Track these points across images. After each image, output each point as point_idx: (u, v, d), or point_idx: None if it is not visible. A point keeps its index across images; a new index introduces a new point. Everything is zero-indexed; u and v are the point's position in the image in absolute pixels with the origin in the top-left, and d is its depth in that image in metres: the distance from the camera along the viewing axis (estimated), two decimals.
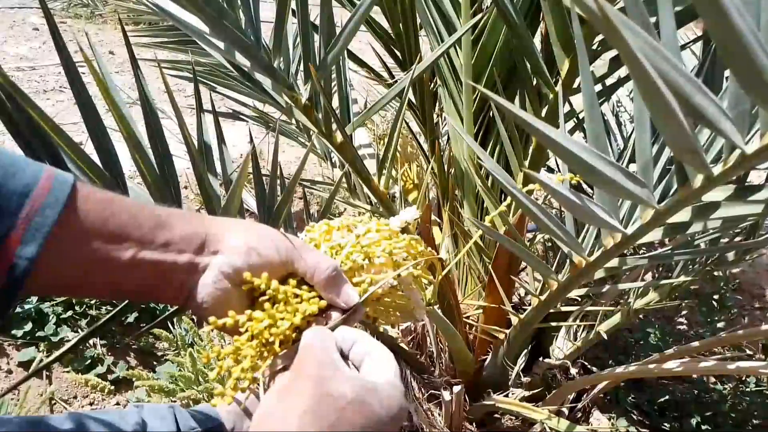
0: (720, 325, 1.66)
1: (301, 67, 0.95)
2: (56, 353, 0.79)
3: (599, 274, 0.86)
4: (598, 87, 1.16)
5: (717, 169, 0.57)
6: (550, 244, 1.58)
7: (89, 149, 0.76)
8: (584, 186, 1.33)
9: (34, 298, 1.47)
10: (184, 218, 0.48)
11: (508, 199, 0.72)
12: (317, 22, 0.92)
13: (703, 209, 0.66)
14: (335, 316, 0.50)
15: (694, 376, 1.47)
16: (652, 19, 0.47)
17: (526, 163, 1.11)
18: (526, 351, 1.19)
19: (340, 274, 0.51)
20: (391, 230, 0.57)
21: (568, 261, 0.86)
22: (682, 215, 0.67)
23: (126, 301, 0.82)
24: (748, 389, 1.43)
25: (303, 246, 0.51)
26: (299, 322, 0.48)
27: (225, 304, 0.48)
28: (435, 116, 1.41)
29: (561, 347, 1.26)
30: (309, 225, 0.59)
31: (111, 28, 4.37)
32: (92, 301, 1.55)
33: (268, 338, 0.47)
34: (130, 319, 1.57)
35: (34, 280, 0.40)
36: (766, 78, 0.41)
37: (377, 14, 1.29)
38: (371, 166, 1.28)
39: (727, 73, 0.78)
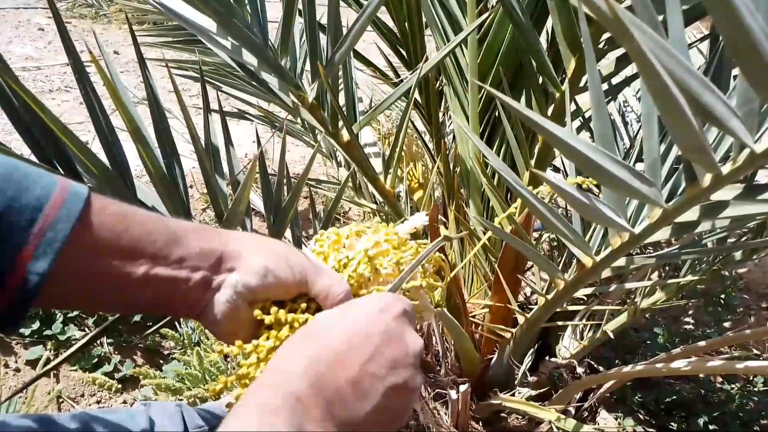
0: (727, 324, 1.66)
1: (307, 67, 0.95)
2: (66, 353, 0.79)
3: (606, 273, 0.86)
4: (604, 86, 1.16)
5: (726, 168, 0.57)
6: (556, 243, 1.58)
7: (96, 148, 0.76)
8: (591, 186, 1.33)
9: None
10: (200, 233, 0.48)
11: (518, 200, 0.72)
12: (323, 22, 0.92)
13: (711, 208, 0.66)
14: None
15: (701, 375, 1.46)
16: (660, 18, 0.47)
17: (532, 162, 1.11)
18: (532, 350, 1.19)
19: (349, 298, 0.51)
20: (399, 238, 0.57)
21: (574, 260, 0.86)
22: (690, 214, 0.66)
23: None
24: (755, 389, 1.42)
25: (317, 267, 0.51)
26: None
27: (236, 321, 0.48)
28: (441, 115, 1.41)
29: (567, 346, 1.26)
30: (318, 234, 0.59)
31: (116, 28, 4.39)
32: None
33: None
34: (137, 318, 1.58)
35: (46, 294, 0.40)
36: None
37: (383, 14, 1.29)
38: (377, 165, 1.28)
39: (734, 72, 0.77)
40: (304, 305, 0.50)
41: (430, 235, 1.03)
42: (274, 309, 0.48)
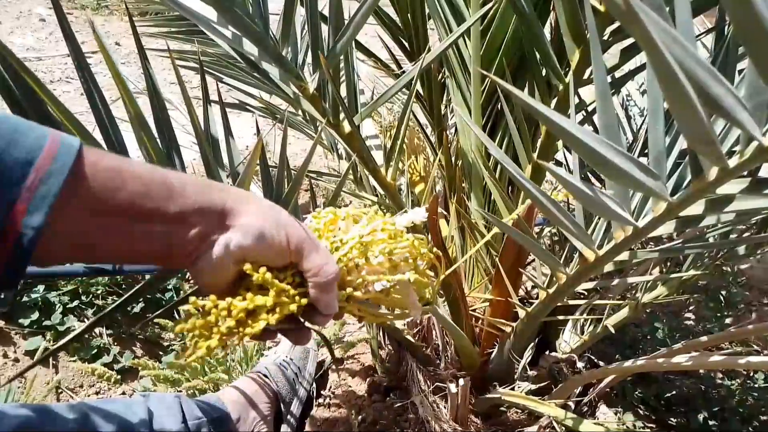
0: (728, 320, 1.65)
1: (309, 58, 0.95)
2: (62, 341, 0.79)
3: (608, 267, 0.85)
4: (609, 79, 1.15)
5: (733, 162, 0.56)
6: (557, 237, 1.57)
7: (96, 139, 0.75)
8: (592, 179, 1.32)
9: (41, 287, 1.47)
10: (198, 187, 0.47)
11: (522, 194, 0.72)
12: (325, 12, 0.91)
13: (716, 202, 0.65)
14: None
15: (702, 371, 1.46)
16: (666, 9, 0.46)
17: (535, 155, 1.10)
18: (532, 344, 1.18)
19: (336, 280, 0.51)
20: (395, 230, 0.56)
21: (576, 254, 0.85)
22: (695, 208, 0.66)
23: (131, 292, 0.82)
24: (756, 385, 1.42)
25: (313, 241, 0.51)
26: (274, 322, 0.48)
27: (219, 275, 0.48)
28: (443, 107, 1.40)
29: (568, 341, 1.26)
30: (316, 211, 0.58)
31: (117, 19, 4.37)
32: (98, 291, 1.56)
33: (242, 324, 0.47)
34: (136, 309, 1.57)
35: (42, 249, 0.40)
36: None
37: (386, 5, 1.28)
38: (378, 157, 1.27)
39: (739, 66, 0.77)
40: (290, 278, 0.50)
41: (429, 228, 1.02)
42: (263, 269, 0.47)
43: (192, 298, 0.46)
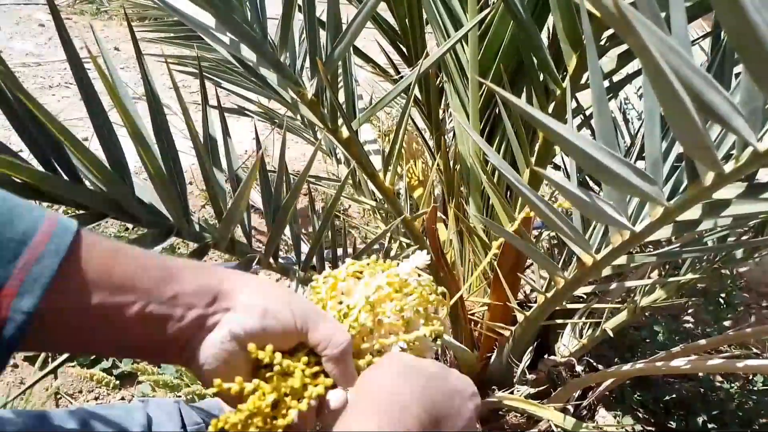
0: (727, 323, 1.65)
1: (307, 63, 0.95)
2: (65, 355, 0.79)
3: (606, 271, 0.86)
4: (605, 83, 1.15)
5: (729, 167, 0.56)
6: (556, 241, 1.58)
7: (95, 145, 0.76)
8: (590, 183, 1.32)
9: None
10: (195, 271, 0.45)
11: (520, 199, 0.72)
12: (323, 18, 0.91)
13: (713, 207, 0.65)
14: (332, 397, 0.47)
15: (701, 374, 1.46)
16: (662, 14, 0.47)
17: (533, 160, 1.11)
18: (531, 348, 1.18)
19: (350, 349, 0.48)
20: (400, 280, 0.55)
21: (575, 258, 0.85)
22: (692, 213, 0.66)
23: None
24: (755, 388, 1.42)
25: (318, 313, 0.49)
26: (305, 407, 0.45)
27: (229, 367, 0.45)
28: (441, 112, 1.41)
29: (566, 344, 1.26)
30: (314, 279, 0.57)
31: (116, 25, 4.37)
32: None
33: (271, 418, 0.44)
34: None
35: (31, 336, 0.36)
36: None
37: (383, 10, 1.29)
38: (376, 162, 1.27)
39: (736, 70, 0.77)
40: (305, 358, 0.47)
41: (428, 235, 1.02)
42: (269, 347, 0.45)
43: (217, 381, 0.43)
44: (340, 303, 0.53)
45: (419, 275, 0.57)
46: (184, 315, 0.43)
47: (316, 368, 0.48)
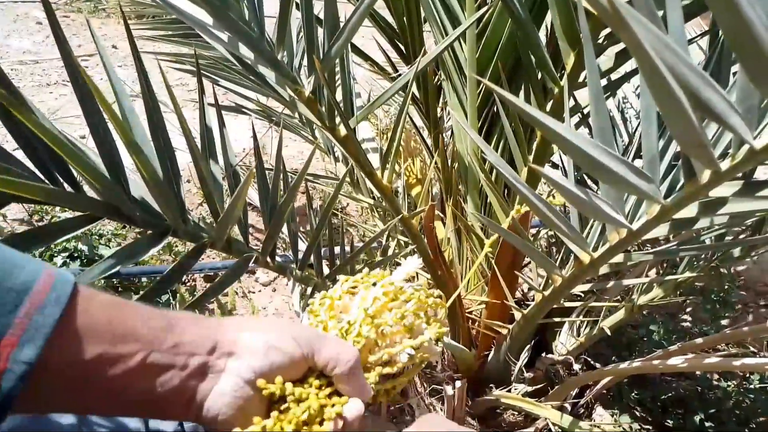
0: (724, 322, 1.66)
1: (305, 61, 0.95)
2: None
3: (603, 269, 0.86)
4: (603, 82, 1.15)
5: (725, 165, 0.56)
6: (554, 239, 1.58)
7: (91, 143, 0.75)
8: (588, 181, 1.33)
9: None
10: (193, 321, 0.45)
11: (517, 197, 0.72)
12: (321, 16, 0.91)
13: (710, 205, 0.65)
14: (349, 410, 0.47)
15: (698, 372, 1.46)
16: (660, 13, 0.47)
17: (531, 158, 1.11)
18: (528, 346, 1.18)
19: (358, 363, 0.48)
20: (396, 288, 0.55)
21: (572, 256, 0.86)
22: (689, 211, 0.66)
23: (134, 300, 0.81)
24: (752, 386, 1.43)
25: (320, 336, 0.49)
26: (329, 428, 0.45)
27: (244, 412, 0.44)
28: (439, 110, 1.41)
29: (564, 343, 1.26)
30: (309, 303, 0.56)
31: (114, 22, 4.37)
32: None
33: None
34: None
35: (31, 390, 0.35)
36: None
37: (381, 8, 1.28)
38: (374, 160, 1.27)
39: (734, 68, 0.77)
40: (316, 382, 0.47)
41: (426, 233, 1.02)
42: (278, 379, 0.45)
43: (237, 430, 0.43)
44: (340, 321, 0.53)
45: (416, 276, 0.57)
46: (187, 363, 0.42)
47: (329, 389, 0.48)
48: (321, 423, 0.45)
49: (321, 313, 0.55)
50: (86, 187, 0.75)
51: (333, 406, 0.46)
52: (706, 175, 0.59)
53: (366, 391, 0.49)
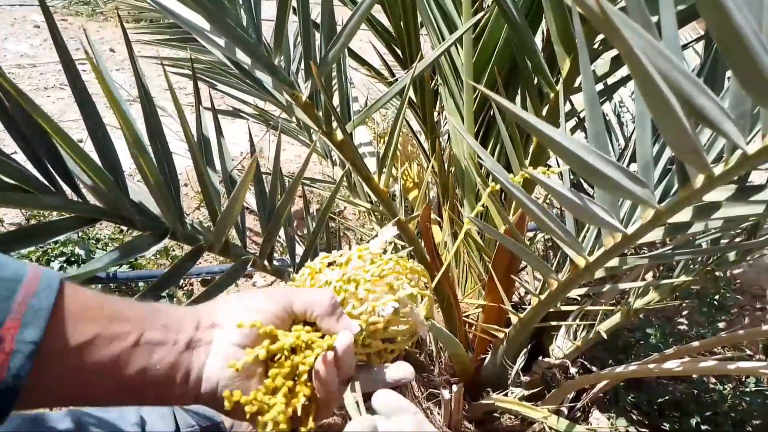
0: (721, 325, 1.66)
1: (302, 66, 0.95)
2: None
3: (599, 273, 0.86)
4: (600, 86, 1.16)
5: (718, 170, 0.57)
6: (550, 243, 1.58)
7: (89, 147, 0.76)
8: (585, 185, 1.33)
9: None
10: (176, 306, 0.48)
11: (513, 200, 0.72)
12: (318, 21, 0.92)
13: (704, 209, 0.66)
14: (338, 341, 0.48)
15: (694, 376, 1.47)
16: (654, 19, 0.47)
17: (527, 162, 1.11)
18: (525, 350, 1.19)
19: (337, 302, 0.50)
20: (372, 254, 0.56)
21: (568, 260, 0.86)
22: (683, 215, 0.66)
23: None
24: (748, 389, 1.43)
25: (294, 289, 0.51)
26: (318, 352, 0.47)
27: (243, 378, 0.45)
28: (435, 115, 1.41)
29: (561, 346, 1.26)
30: (292, 277, 0.58)
31: (112, 26, 4.37)
32: None
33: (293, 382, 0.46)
34: None
35: (36, 373, 0.36)
36: None
37: (378, 12, 1.29)
38: (372, 164, 1.28)
39: (729, 72, 0.77)
40: (302, 327, 0.49)
41: (422, 235, 1.03)
42: (265, 343, 0.46)
43: (226, 392, 0.43)
44: (318, 282, 0.55)
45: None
46: (177, 339, 0.44)
47: (317, 334, 0.49)
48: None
49: (301, 280, 0.56)
50: (84, 190, 0.75)
51: (322, 337, 0.48)
52: (699, 180, 0.59)
53: (352, 326, 0.50)
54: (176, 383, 0.44)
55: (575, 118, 1.23)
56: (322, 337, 0.49)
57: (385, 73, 1.51)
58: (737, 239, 1.23)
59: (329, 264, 0.57)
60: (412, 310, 0.56)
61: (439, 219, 1.39)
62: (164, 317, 0.45)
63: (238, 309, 0.47)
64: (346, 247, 0.59)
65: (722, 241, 1.12)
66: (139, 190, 0.82)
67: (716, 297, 1.69)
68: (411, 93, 1.32)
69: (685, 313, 1.78)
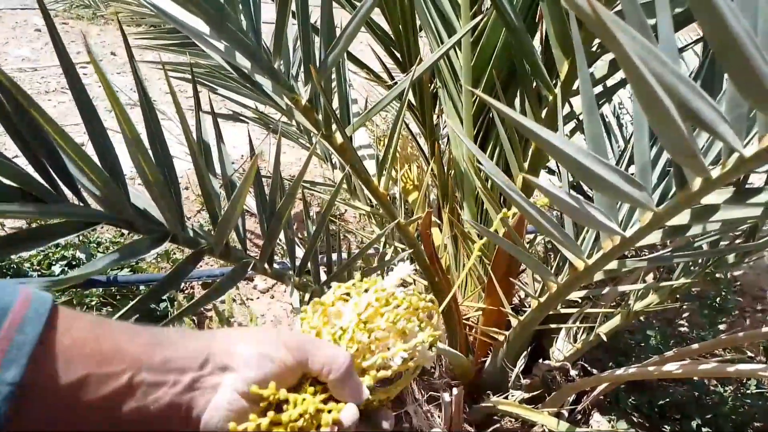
0: (721, 327, 1.66)
1: (302, 69, 0.95)
2: None
3: (599, 276, 0.86)
4: (599, 88, 1.16)
5: (716, 172, 0.57)
6: (550, 245, 1.58)
7: (89, 150, 0.76)
8: (585, 187, 1.33)
9: None
10: (184, 334, 0.44)
11: (513, 208, 0.72)
12: (317, 24, 0.92)
13: (702, 212, 0.66)
14: (345, 414, 0.47)
15: (695, 378, 1.47)
16: (651, 21, 0.47)
17: (526, 164, 1.11)
18: (525, 353, 1.19)
19: (351, 367, 0.48)
20: (388, 294, 0.55)
21: (567, 263, 0.86)
22: (681, 218, 0.67)
23: (129, 306, 0.81)
24: (748, 391, 1.43)
25: (312, 342, 0.48)
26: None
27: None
28: (435, 117, 1.41)
29: (561, 349, 1.26)
30: (302, 309, 0.56)
31: (113, 29, 4.38)
32: (93, 302, 1.56)
33: None
34: (131, 320, 1.57)
35: (17, 411, 0.34)
36: (764, 82, 0.41)
37: (377, 15, 1.29)
38: (371, 166, 1.28)
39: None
40: (311, 389, 0.47)
41: (422, 240, 1.03)
42: (272, 385, 0.44)
43: (231, 425, 0.42)
44: (333, 327, 0.53)
45: (413, 282, 0.57)
46: (178, 380, 0.41)
47: (324, 395, 0.48)
48: (318, 429, 0.45)
49: (314, 319, 0.55)
50: (85, 194, 0.75)
51: (329, 412, 0.46)
52: (697, 183, 0.60)
53: (361, 395, 0.48)
54: (175, 421, 0.42)
55: (575, 120, 1.24)
56: (328, 399, 0.48)
57: (385, 77, 1.51)
58: (737, 241, 1.23)
59: (341, 296, 0.56)
60: (423, 351, 0.55)
61: (438, 221, 1.39)
62: (167, 350, 0.42)
63: (253, 355, 0.44)
64: (357, 275, 0.58)
65: (722, 243, 1.12)
66: (139, 194, 0.82)
67: (717, 299, 1.69)
68: (410, 96, 1.32)
69: (685, 315, 1.78)
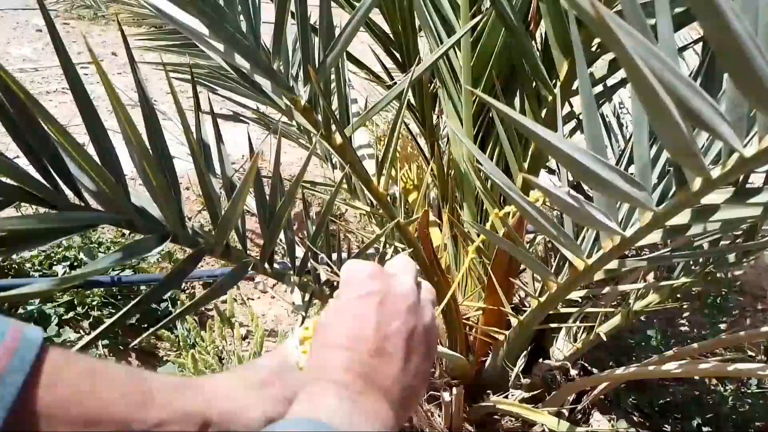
0: (722, 326, 1.66)
1: (301, 70, 0.95)
2: None
3: (599, 275, 0.86)
4: (599, 88, 1.16)
5: (716, 172, 0.57)
6: (550, 245, 1.58)
7: (90, 150, 0.76)
8: (584, 187, 1.33)
9: (36, 299, 1.47)
10: (181, 391, 0.41)
11: (511, 207, 0.72)
12: (316, 25, 0.92)
13: (702, 212, 0.66)
14: None
15: (696, 377, 1.46)
16: (651, 21, 0.47)
17: (526, 164, 1.11)
18: (525, 352, 1.19)
19: None
20: None
21: (567, 263, 0.86)
22: (681, 218, 0.67)
23: (129, 306, 0.81)
24: (749, 391, 1.43)
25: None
26: None
27: None
28: (435, 117, 1.41)
29: (561, 348, 1.26)
30: (301, 330, 0.54)
31: (114, 29, 4.38)
32: (94, 302, 1.56)
33: None
34: (132, 320, 1.57)
35: None
36: (764, 82, 0.41)
37: (376, 15, 1.29)
38: (371, 166, 1.28)
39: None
40: None
41: (421, 239, 1.03)
42: None
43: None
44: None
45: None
46: None
47: None
48: None
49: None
50: (86, 195, 0.75)
51: None
52: (697, 183, 0.60)
53: None
54: None
55: (575, 119, 1.23)
56: None
57: (384, 77, 1.51)
58: (738, 240, 1.23)
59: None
60: None
61: (438, 221, 1.39)
62: (163, 410, 0.39)
63: (259, 417, 0.43)
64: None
65: (722, 242, 1.12)
66: (140, 194, 0.82)
67: (717, 298, 1.69)
68: (410, 96, 1.32)
69: (686, 314, 1.78)
